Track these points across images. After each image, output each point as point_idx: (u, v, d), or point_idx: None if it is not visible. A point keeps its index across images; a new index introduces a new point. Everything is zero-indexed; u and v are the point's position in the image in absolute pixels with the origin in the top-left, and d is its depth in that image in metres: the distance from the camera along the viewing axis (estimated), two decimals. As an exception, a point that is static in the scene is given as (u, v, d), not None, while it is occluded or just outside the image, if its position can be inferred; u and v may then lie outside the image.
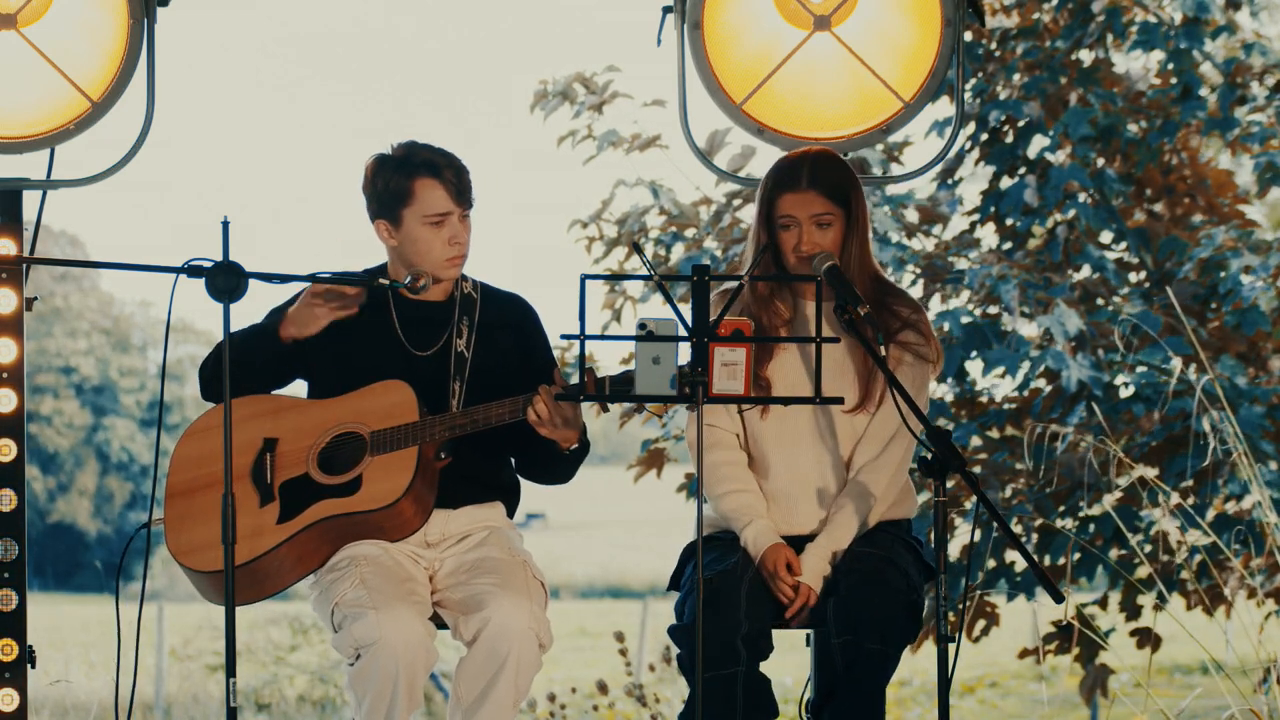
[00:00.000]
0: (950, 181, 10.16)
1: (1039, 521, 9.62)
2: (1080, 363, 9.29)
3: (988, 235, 10.16)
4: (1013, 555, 9.76)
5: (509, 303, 5.42)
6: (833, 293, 5.14)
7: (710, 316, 4.77)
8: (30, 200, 5.60)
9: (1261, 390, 9.46)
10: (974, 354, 9.55)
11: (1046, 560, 9.49)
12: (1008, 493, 9.84)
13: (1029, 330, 9.49)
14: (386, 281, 5.26)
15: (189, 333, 41.94)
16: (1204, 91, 9.99)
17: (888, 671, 5.10)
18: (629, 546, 42.96)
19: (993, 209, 10.01)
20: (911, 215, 9.84)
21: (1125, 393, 9.63)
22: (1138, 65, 10.51)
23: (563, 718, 8.65)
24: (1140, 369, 9.47)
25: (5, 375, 5.52)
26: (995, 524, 5.14)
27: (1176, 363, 9.08)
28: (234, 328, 4.99)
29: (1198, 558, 8.92)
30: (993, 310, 9.66)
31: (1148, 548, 9.17)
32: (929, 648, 8.65)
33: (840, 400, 5.09)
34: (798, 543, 5.25)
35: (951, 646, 4.88)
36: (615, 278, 9.73)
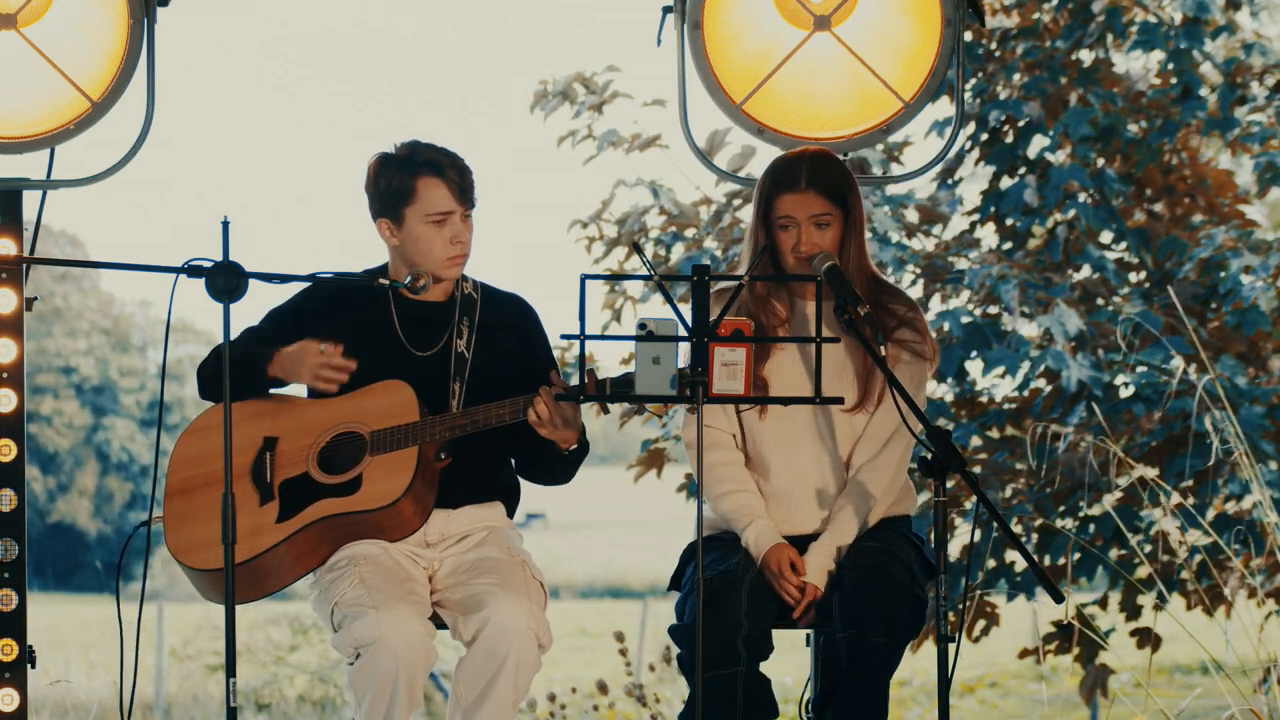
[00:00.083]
0: (950, 181, 10.16)
1: (1039, 521, 9.62)
2: (1080, 363, 9.29)
3: (988, 235, 10.17)
4: (1013, 555, 9.76)
5: (509, 303, 5.42)
6: (832, 293, 5.15)
7: (710, 316, 4.78)
8: (30, 200, 5.60)
9: (1261, 390, 9.47)
10: (974, 354, 9.55)
11: (1046, 560, 9.49)
12: (1008, 493, 9.84)
13: (1029, 330, 9.49)
14: (387, 281, 5.26)
15: (189, 333, 41.92)
16: (1204, 91, 9.99)
17: (892, 666, 5.11)
18: (629, 546, 42.95)
19: (993, 209, 10.01)
20: (911, 215, 9.84)
21: (1125, 393, 9.64)
22: (1138, 65, 10.51)
23: (563, 718, 8.66)
24: (1140, 369, 9.47)
25: (5, 375, 5.52)
26: (995, 524, 5.15)
27: (1178, 362, 9.09)
28: (234, 328, 4.99)
29: (1198, 558, 8.92)
30: (993, 310, 9.66)
31: (1148, 548, 9.17)
32: (929, 648, 8.65)
33: (840, 400, 5.10)
34: (798, 542, 5.26)
35: (951, 646, 4.88)
36: (615, 278, 9.73)
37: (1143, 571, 9.57)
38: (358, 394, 5.25)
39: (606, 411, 8.35)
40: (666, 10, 5.76)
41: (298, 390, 5.39)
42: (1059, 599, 4.99)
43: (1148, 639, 9.53)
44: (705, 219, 9.81)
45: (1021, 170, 9.99)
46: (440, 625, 5.21)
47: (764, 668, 5.15)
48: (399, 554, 5.21)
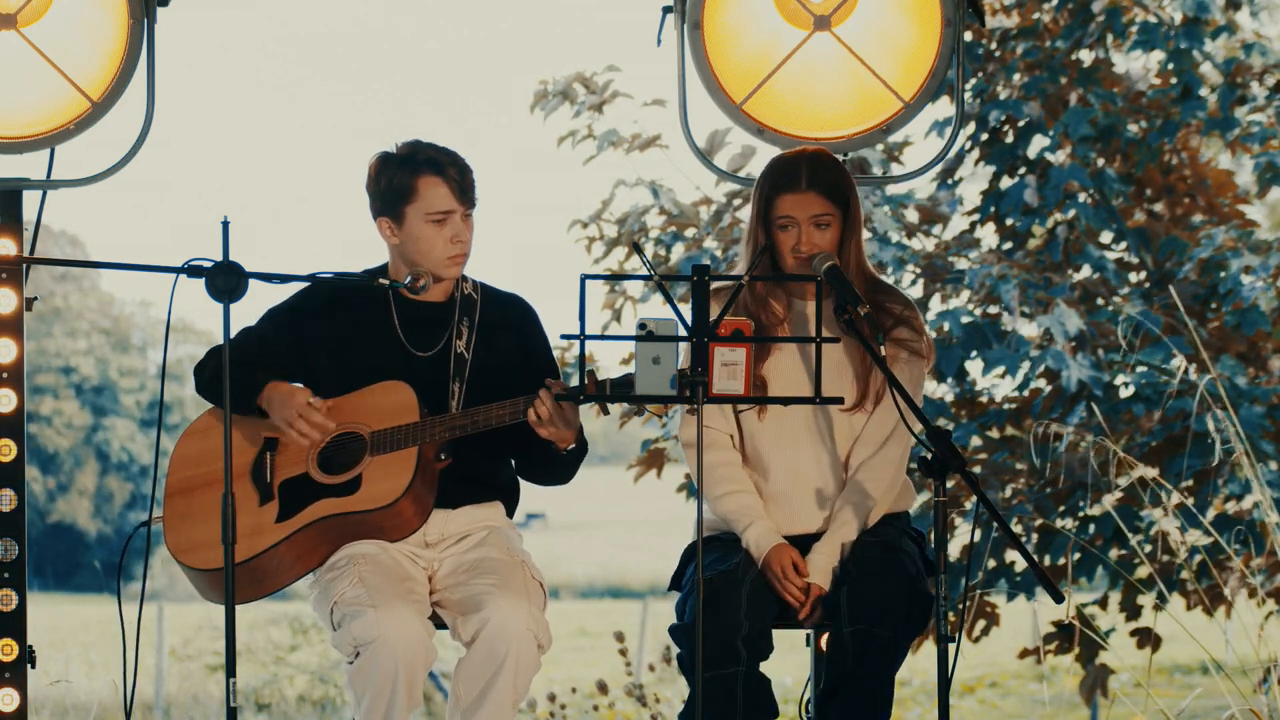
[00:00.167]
0: (950, 181, 10.16)
1: (1039, 521, 9.62)
2: (1080, 363, 9.29)
3: (988, 235, 10.17)
4: (1013, 555, 9.76)
5: (509, 303, 5.42)
6: (831, 293, 5.15)
7: (710, 316, 4.78)
8: (30, 200, 5.60)
9: (1261, 390, 9.46)
10: (974, 354, 9.55)
11: (1046, 560, 9.49)
12: (1008, 493, 9.84)
13: (1029, 330, 9.49)
14: (387, 281, 5.26)
15: (189, 333, 41.90)
16: (1204, 91, 9.99)
17: (898, 661, 5.12)
18: (629, 546, 42.96)
19: (993, 209, 10.01)
20: (911, 215, 9.84)
21: (1125, 393, 9.64)
22: (1138, 65, 10.51)
23: (563, 718, 8.65)
24: (1140, 369, 9.47)
25: (5, 375, 5.52)
26: (995, 524, 5.15)
27: (1178, 362, 9.08)
28: (234, 329, 4.99)
29: (1198, 558, 8.92)
30: (993, 310, 9.66)
31: (1148, 548, 9.17)
32: (929, 648, 8.65)
33: (840, 400, 5.10)
34: (797, 542, 5.26)
35: (951, 646, 4.88)
36: (615, 278, 9.73)
37: (1143, 571, 9.57)
38: (358, 394, 5.25)
39: (606, 412, 8.35)
40: (666, 10, 5.76)
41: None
42: (1059, 599, 4.99)
43: (1148, 639, 9.53)
44: (705, 219, 9.80)
45: (1021, 170, 9.99)
46: (440, 625, 5.22)
47: (764, 668, 5.15)
48: (398, 554, 5.22)
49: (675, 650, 5.23)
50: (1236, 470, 9.11)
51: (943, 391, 9.85)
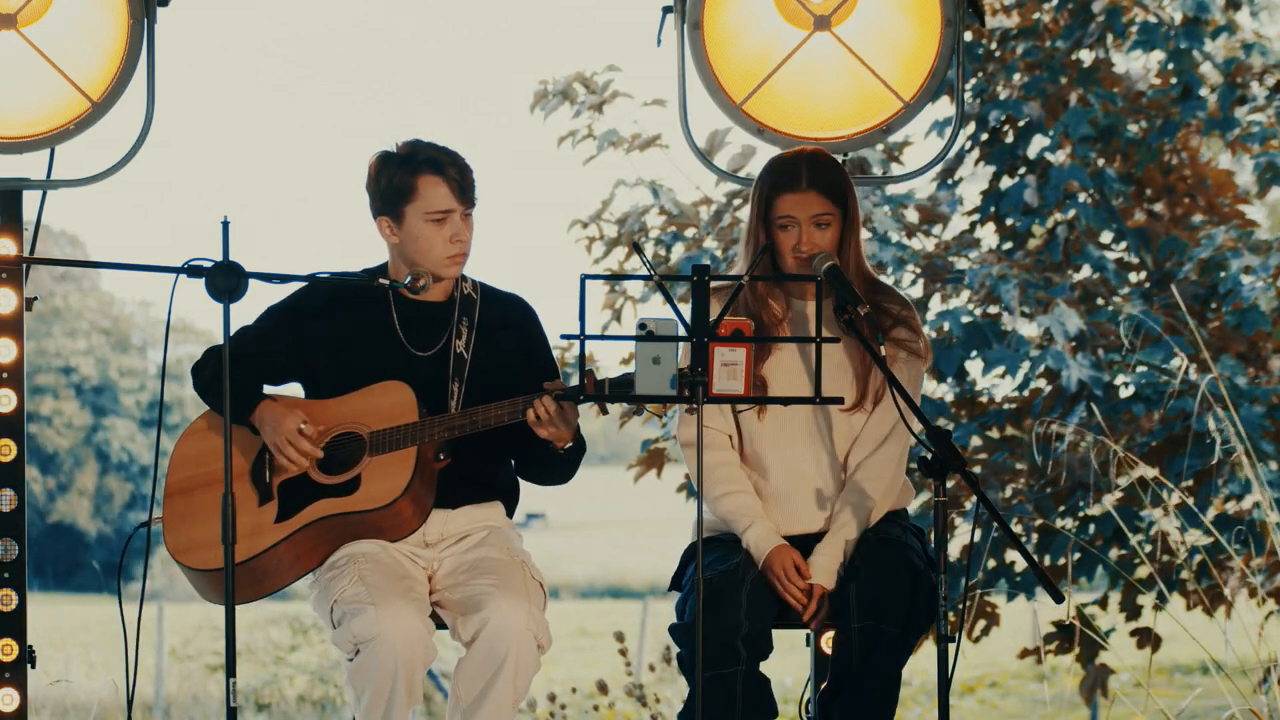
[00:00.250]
0: (950, 181, 10.16)
1: (1039, 521, 9.62)
2: (1080, 363, 9.29)
3: (988, 235, 10.17)
4: (1013, 555, 9.76)
5: (509, 303, 5.42)
6: (831, 293, 5.15)
7: (710, 316, 4.78)
8: (30, 200, 5.60)
9: (1261, 390, 9.46)
10: (974, 354, 9.55)
11: (1046, 560, 9.49)
12: (1008, 493, 9.84)
13: (1029, 330, 9.49)
14: (386, 281, 5.26)
15: (189, 333, 41.90)
16: (1204, 91, 9.99)
17: (905, 656, 5.12)
18: (629, 546, 42.95)
19: (993, 209, 10.01)
20: (911, 215, 9.84)
21: (1125, 393, 9.64)
22: (1138, 65, 10.51)
23: (563, 718, 8.66)
24: (1140, 369, 9.47)
25: (5, 375, 5.52)
26: (995, 524, 5.15)
27: (1179, 361, 9.08)
28: (234, 328, 4.99)
29: (1198, 558, 8.92)
30: (993, 310, 9.66)
31: (1148, 548, 9.17)
32: (929, 648, 8.65)
33: (840, 400, 5.10)
34: (797, 542, 5.26)
35: (951, 646, 4.89)
36: (615, 278, 9.73)
37: (1143, 571, 9.57)
38: (357, 394, 5.25)
39: (605, 412, 8.35)
40: (666, 10, 5.76)
41: (295, 390, 5.39)
42: (1059, 599, 5.00)
43: (1148, 639, 9.53)
44: (705, 219, 9.81)
45: (1021, 170, 9.99)
46: (440, 625, 5.22)
47: (764, 667, 5.15)
48: (398, 553, 5.22)
49: (675, 650, 5.24)
50: (1236, 470, 9.11)
51: (943, 391, 9.85)
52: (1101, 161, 9.95)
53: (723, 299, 5.05)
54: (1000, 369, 9.38)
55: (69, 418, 44.24)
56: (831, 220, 5.25)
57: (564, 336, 4.91)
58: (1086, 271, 9.93)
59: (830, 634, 5.33)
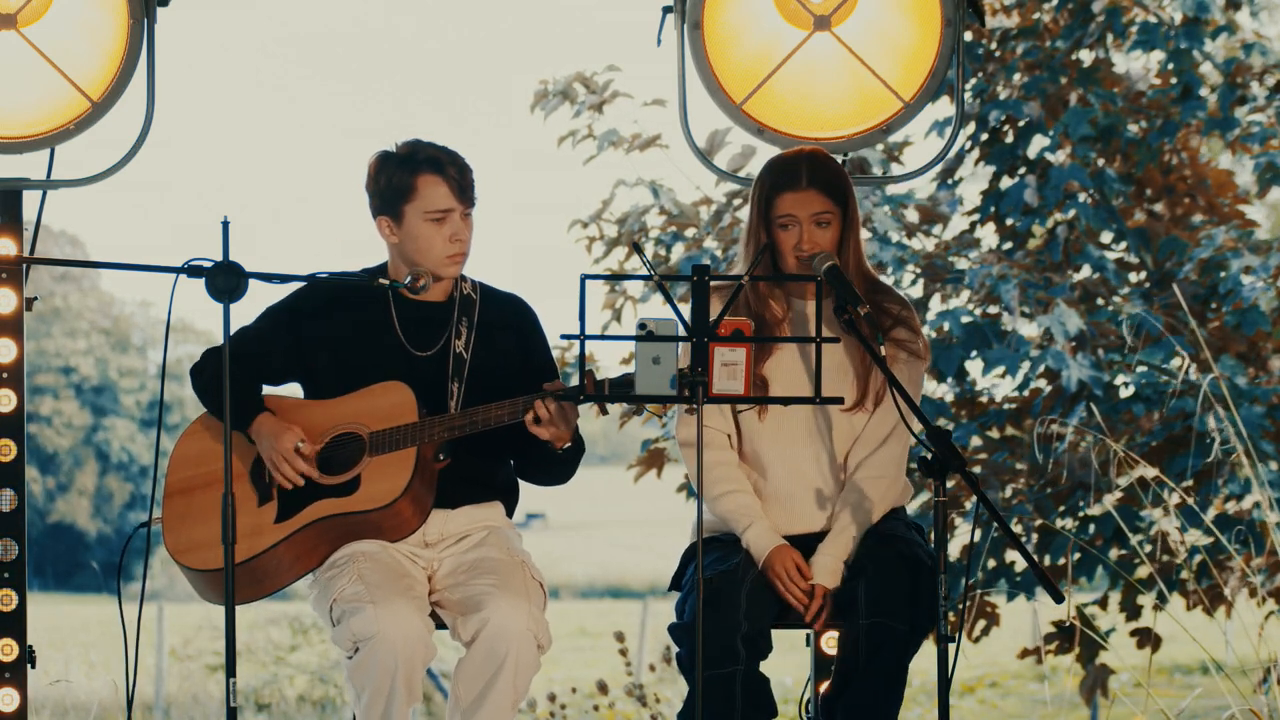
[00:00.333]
0: (950, 181, 10.16)
1: (1039, 521, 9.62)
2: (1080, 363, 9.29)
3: (988, 235, 10.17)
4: (1013, 555, 9.76)
5: (508, 303, 5.42)
6: (831, 292, 5.15)
7: (710, 316, 4.78)
8: (30, 200, 5.60)
9: (1261, 390, 9.46)
10: (974, 354, 9.55)
11: (1046, 560, 9.49)
12: (1008, 493, 9.84)
13: (1029, 330, 9.49)
14: (386, 281, 5.26)
15: (189, 333, 41.91)
16: (1204, 91, 9.99)
17: (912, 653, 5.12)
18: (629, 546, 42.95)
19: (993, 209, 10.01)
20: (911, 215, 9.84)
21: (1125, 393, 9.64)
22: (1138, 65, 10.51)
23: (563, 718, 8.66)
24: (1140, 369, 9.47)
25: (5, 375, 5.52)
26: (995, 524, 5.15)
27: (1179, 361, 9.08)
28: (233, 329, 4.99)
29: (1198, 558, 8.92)
30: (993, 310, 9.66)
31: (1148, 548, 9.17)
32: (929, 647, 8.66)
33: (840, 400, 5.10)
34: (796, 542, 5.26)
35: (951, 646, 4.89)
36: (615, 278, 9.73)
37: (1143, 571, 9.57)
38: (357, 395, 5.25)
39: (605, 412, 8.35)
40: (666, 10, 5.76)
41: (294, 390, 5.39)
42: (1059, 599, 5.00)
43: (1148, 639, 9.53)
44: (705, 219, 9.81)
45: (1021, 170, 9.99)
46: (440, 625, 5.22)
47: (764, 667, 5.15)
48: (398, 553, 5.22)
49: (675, 650, 5.24)
50: (1236, 470, 9.11)
51: (943, 391, 9.85)
52: (1101, 161, 9.95)
53: (723, 299, 5.05)
54: (1000, 369, 9.38)
55: (69, 418, 44.24)
56: (832, 219, 5.25)
57: (564, 336, 4.92)
58: (1086, 271, 9.93)
59: (831, 634, 5.33)
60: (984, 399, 9.94)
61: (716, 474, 5.29)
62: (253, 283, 4.93)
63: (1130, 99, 10.02)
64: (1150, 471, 7.34)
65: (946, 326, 9.46)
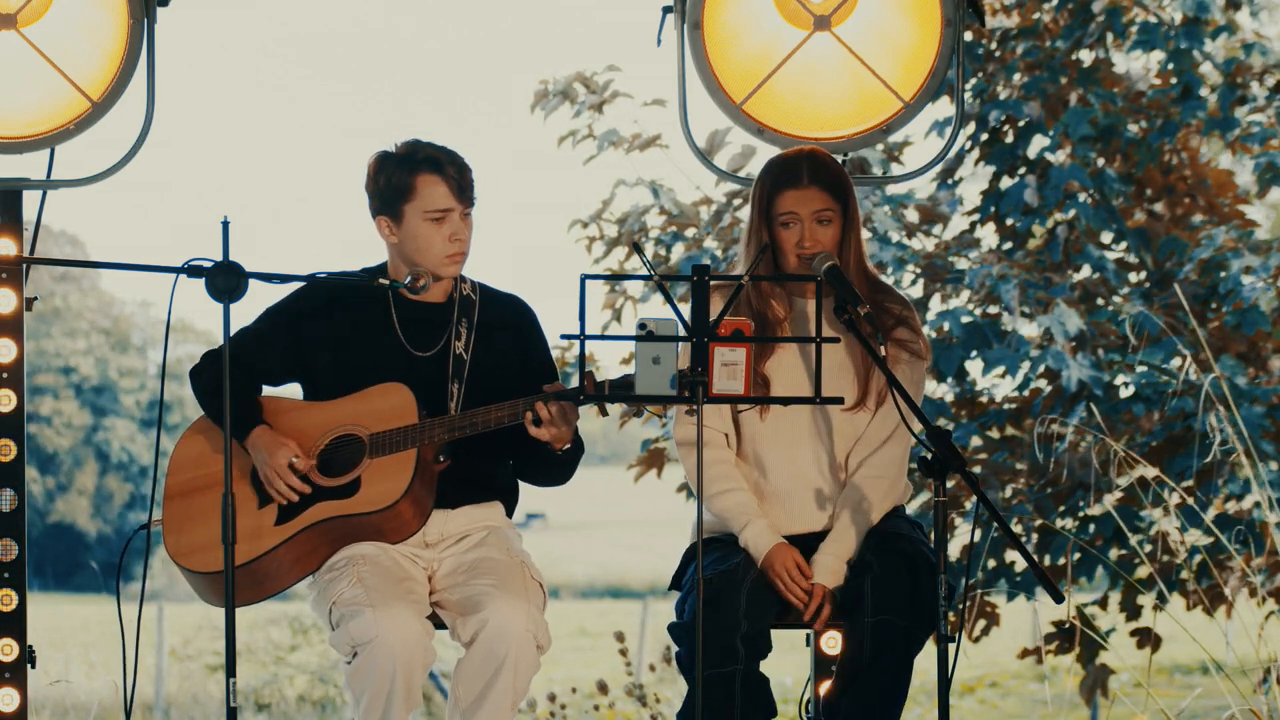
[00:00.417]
0: (950, 181, 10.16)
1: (1039, 521, 9.62)
2: (1080, 363, 9.29)
3: (988, 235, 10.17)
4: (1013, 555, 9.75)
5: (508, 304, 5.42)
6: (831, 292, 5.15)
7: (710, 316, 4.78)
8: (30, 200, 5.60)
9: (1261, 390, 9.46)
10: (974, 354, 9.55)
11: (1046, 560, 9.49)
12: (1008, 493, 9.83)
13: (1029, 330, 9.49)
14: (386, 281, 5.26)
15: (189, 333, 41.92)
16: (1204, 91, 9.99)
17: (917, 650, 5.12)
18: (629, 546, 42.96)
19: (993, 209, 10.00)
20: (911, 215, 9.84)
21: (1125, 393, 9.63)
22: (1138, 65, 10.50)
23: (563, 718, 8.65)
24: (1140, 369, 9.47)
25: (5, 375, 5.52)
26: (995, 524, 5.15)
27: (1179, 361, 9.08)
28: (233, 329, 4.99)
29: (1198, 558, 8.92)
30: (993, 310, 9.66)
31: (1148, 548, 9.17)
32: (929, 647, 8.66)
33: (840, 400, 5.10)
34: (796, 541, 5.26)
35: (951, 646, 4.89)
36: (615, 278, 9.72)
37: (1143, 571, 9.57)
38: (357, 396, 5.25)
39: (605, 413, 8.34)
40: (666, 10, 5.76)
41: (294, 391, 5.39)
42: (1059, 599, 5.00)
43: (1148, 639, 9.53)
44: (705, 219, 9.80)
45: (1021, 170, 9.99)
46: (439, 626, 5.21)
47: (764, 667, 5.15)
48: (398, 554, 5.22)
49: (675, 649, 5.24)
50: (1237, 470, 9.11)
51: (943, 391, 9.85)
52: (1101, 161, 9.95)
53: (723, 299, 5.05)
54: (1000, 369, 9.38)
55: (69, 418, 44.24)
56: (833, 216, 5.25)
57: (564, 336, 4.91)
58: (1086, 271, 9.93)
59: (831, 634, 5.33)
60: (984, 399, 9.94)
61: (713, 472, 5.29)
62: (253, 283, 4.93)
63: (1130, 99, 10.02)
64: (1150, 471, 7.34)
65: (946, 326, 9.46)
